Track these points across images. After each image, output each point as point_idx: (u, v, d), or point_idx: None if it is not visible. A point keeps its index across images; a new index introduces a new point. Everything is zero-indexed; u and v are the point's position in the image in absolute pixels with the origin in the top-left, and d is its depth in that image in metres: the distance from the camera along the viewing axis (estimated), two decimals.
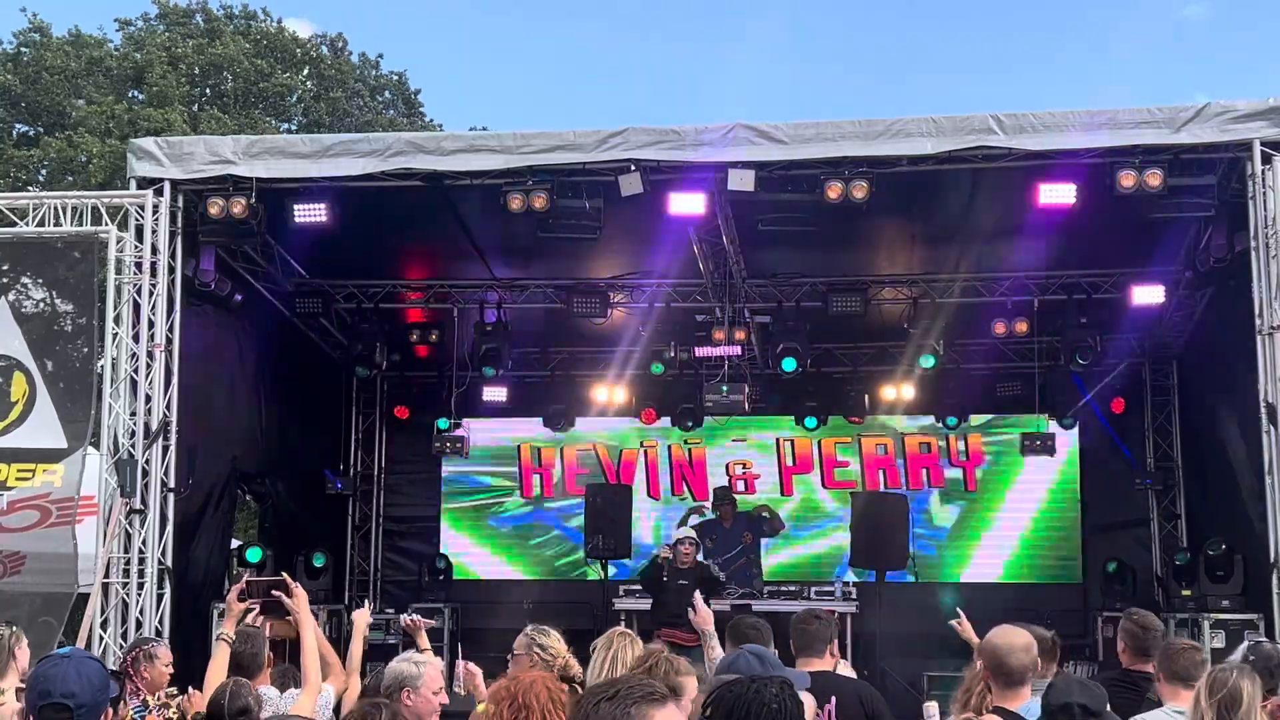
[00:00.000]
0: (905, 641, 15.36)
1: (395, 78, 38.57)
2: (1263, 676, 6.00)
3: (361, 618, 8.01)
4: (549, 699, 4.88)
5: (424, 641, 7.62)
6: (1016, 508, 18.05)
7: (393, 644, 14.42)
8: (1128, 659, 7.31)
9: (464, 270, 16.17)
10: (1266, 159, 11.14)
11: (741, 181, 11.62)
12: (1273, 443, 11.02)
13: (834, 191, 11.60)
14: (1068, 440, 17.46)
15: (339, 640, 15.41)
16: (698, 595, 7.56)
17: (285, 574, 7.58)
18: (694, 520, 17.53)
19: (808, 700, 6.17)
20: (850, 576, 16.41)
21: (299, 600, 7.05)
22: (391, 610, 16.00)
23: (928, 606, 15.99)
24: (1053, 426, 16.92)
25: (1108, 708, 4.91)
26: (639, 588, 15.05)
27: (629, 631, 6.73)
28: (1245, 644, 6.69)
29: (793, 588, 15.78)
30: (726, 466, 18.51)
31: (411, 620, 7.95)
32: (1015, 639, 5.81)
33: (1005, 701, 5.66)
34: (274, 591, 7.13)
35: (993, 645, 5.80)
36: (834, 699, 6.57)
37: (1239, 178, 11.54)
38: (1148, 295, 14.81)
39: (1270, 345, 11.06)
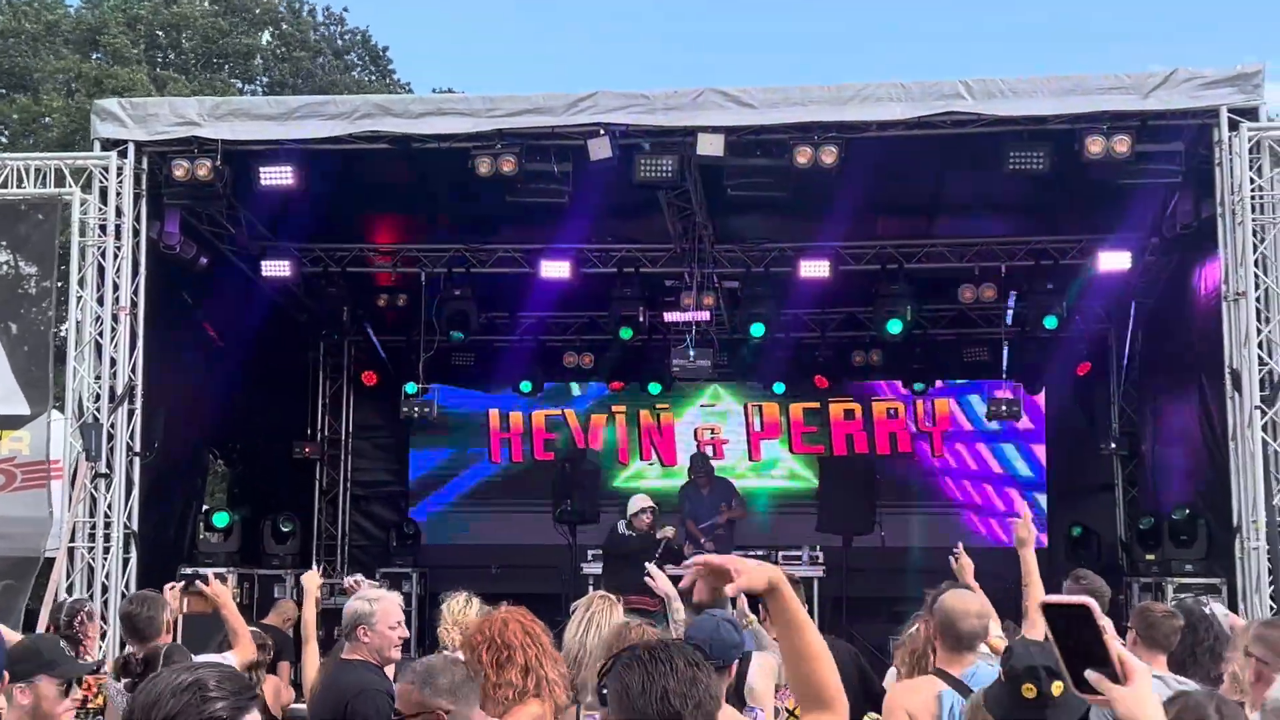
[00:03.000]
0: (871, 605, 15.46)
1: (360, 36, 38.25)
2: (1192, 626, 6.12)
3: (310, 580, 8.08)
4: (525, 635, 4.91)
5: None
6: (982, 473, 18.17)
7: None
8: None
9: (432, 234, 16.09)
10: (1233, 125, 11.19)
11: (711, 146, 11.60)
12: (1236, 408, 11.12)
13: (804, 157, 11.60)
14: (1034, 406, 17.57)
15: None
16: (650, 566, 7.53)
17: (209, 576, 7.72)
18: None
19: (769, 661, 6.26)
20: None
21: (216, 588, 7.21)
22: (360, 574, 15.99)
23: (894, 570, 16.09)
24: (1019, 392, 17.01)
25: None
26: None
27: (610, 595, 6.75)
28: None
29: (760, 553, 15.81)
30: (695, 431, 18.56)
31: (354, 582, 8.05)
32: (969, 604, 5.86)
33: (950, 665, 5.70)
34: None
35: (944, 608, 5.83)
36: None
37: (1206, 144, 11.59)
38: (1114, 261, 14.87)
39: (1235, 311, 11.14)
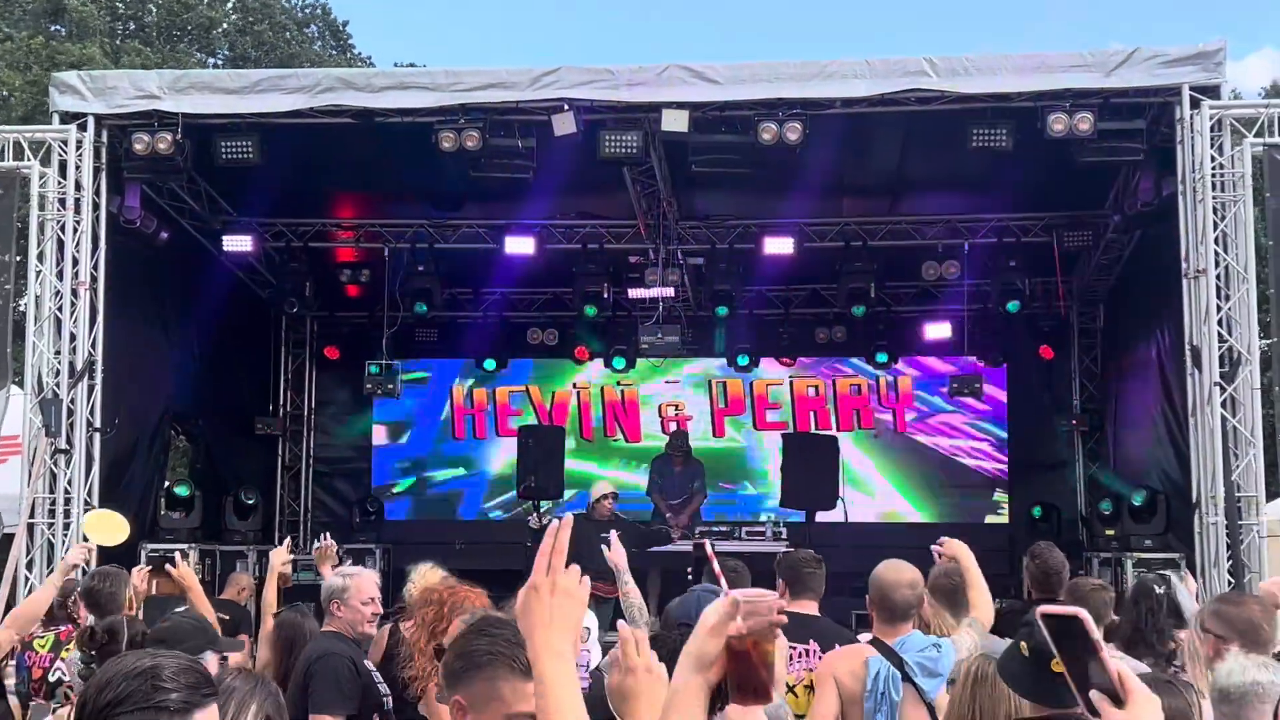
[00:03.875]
0: (835, 581, 15.44)
1: (320, 9, 38.01)
2: (1137, 601, 6.18)
3: (277, 556, 8.15)
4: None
5: (326, 569, 7.83)
6: (945, 449, 18.26)
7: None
8: (1035, 596, 7.47)
9: (395, 209, 16.02)
10: (1194, 104, 11.24)
11: (675, 122, 11.57)
12: (1196, 385, 11.20)
13: (768, 133, 11.59)
14: (995, 382, 17.65)
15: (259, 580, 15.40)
16: (613, 534, 7.51)
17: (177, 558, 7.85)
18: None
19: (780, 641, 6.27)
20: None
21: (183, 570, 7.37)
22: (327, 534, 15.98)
23: (857, 546, 16.14)
24: (981, 369, 17.09)
25: None
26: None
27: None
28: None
29: (723, 528, 15.86)
30: (659, 408, 18.56)
31: (326, 542, 8.10)
32: (901, 574, 5.92)
33: (885, 635, 5.78)
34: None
35: (878, 579, 5.90)
36: (837, 646, 6.64)
37: (1168, 122, 11.65)
38: (1076, 239, 14.98)
39: (1195, 289, 11.21)
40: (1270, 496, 11.36)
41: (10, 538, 11.47)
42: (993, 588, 8.79)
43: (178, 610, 5.92)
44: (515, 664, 3.11)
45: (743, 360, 17.74)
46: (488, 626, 3.31)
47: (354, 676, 6.05)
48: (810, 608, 6.90)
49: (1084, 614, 2.31)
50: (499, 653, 3.15)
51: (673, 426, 18.10)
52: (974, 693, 4.28)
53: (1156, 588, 6.31)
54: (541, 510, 15.07)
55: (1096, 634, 2.31)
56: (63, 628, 7.59)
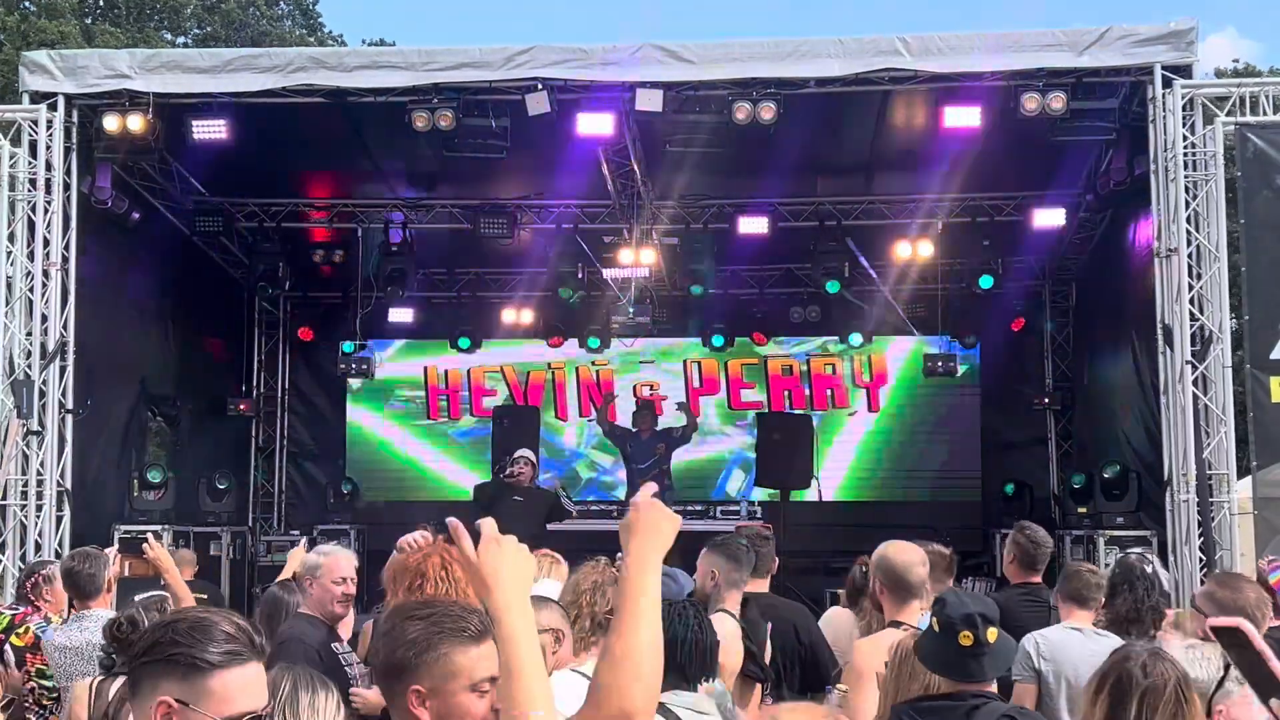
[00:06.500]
0: (809, 559, 15.57)
1: None
2: (1121, 586, 6.24)
3: (297, 556, 8.10)
4: (441, 569, 4.96)
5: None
6: (918, 428, 18.30)
7: None
8: (1014, 571, 7.46)
9: (368, 189, 15.97)
10: (1167, 83, 11.28)
11: (649, 101, 11.56)
12: (1168, 363, 11.26)
13: (742, 113, 11.59)
14: (969, 361, 17.70)
15: (244, 561, 15.41)
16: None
17: (150, 538, 7.78)
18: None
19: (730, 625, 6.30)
20: (755, 495, 16.62)
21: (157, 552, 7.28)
22: (296, 532, 15.96)
23: (831, 525, 16.24)
24: (954, 348, 17.13)
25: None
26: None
27: (551, 552, 6.75)
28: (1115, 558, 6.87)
29: (699, 506, 15.91)
30: (634, 388, 18.55)
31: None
32: (913, 555, 5.92)
33: (902, 615, 5.77)
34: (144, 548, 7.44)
35: (890, 562, 5.87)
36: (769, 625, 6.62)
37: (1140, 101, 11.69)
38: (1049, 218, 15.03)
39: (1167, 267, 11.26)
40: (1241, 474, 11.42)
41: None
42: (964, 566, 8.82)
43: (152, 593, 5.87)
44: (464, 633, 3.01)
45: (717, 340, 17.76)
46: (416, 611, 3.14)
47: (316, 661, 5.95)
48: (762, 587, 6.92)
49: (1245, 624, 2.33)
50: (445, 627, 3.02)
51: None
52: (899, 668, 4.36)
53: (1145, 567, 6.35)
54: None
55: (1260, 644, 2.32)
56: (20, 609, 7.49)
